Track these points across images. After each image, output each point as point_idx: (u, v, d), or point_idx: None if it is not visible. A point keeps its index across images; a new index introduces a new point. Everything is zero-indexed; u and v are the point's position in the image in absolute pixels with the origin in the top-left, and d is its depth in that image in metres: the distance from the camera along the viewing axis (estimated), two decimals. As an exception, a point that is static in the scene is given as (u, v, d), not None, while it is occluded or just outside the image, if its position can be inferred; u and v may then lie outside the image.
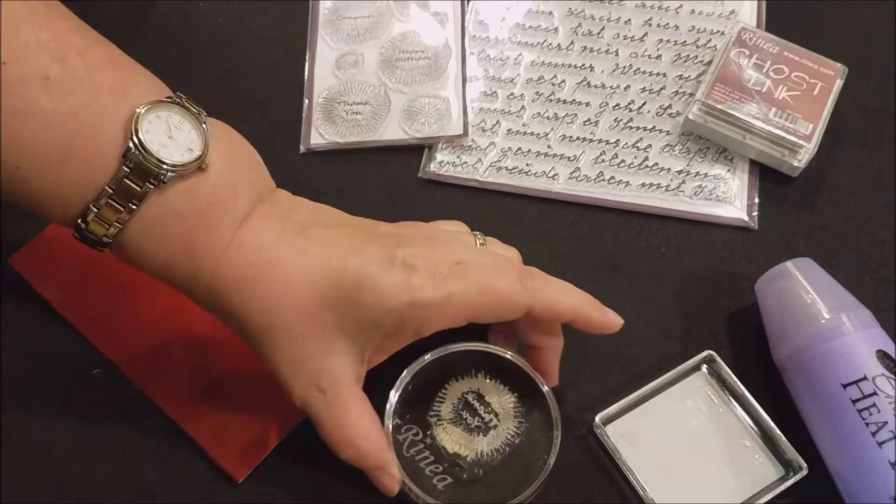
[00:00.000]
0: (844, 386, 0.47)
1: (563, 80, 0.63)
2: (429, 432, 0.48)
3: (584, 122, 0.61)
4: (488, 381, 0.49)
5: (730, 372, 0.52)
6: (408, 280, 0.43)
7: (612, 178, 0.59)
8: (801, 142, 0.57)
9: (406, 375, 0.48)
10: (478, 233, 0.51)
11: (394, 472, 0.46)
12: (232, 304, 0.43)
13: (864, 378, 0.46)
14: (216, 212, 0.43)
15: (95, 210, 0.40)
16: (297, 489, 0.51)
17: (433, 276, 0.44)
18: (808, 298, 0.50)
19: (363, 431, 0.46)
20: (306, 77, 0.63)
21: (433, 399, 0.49)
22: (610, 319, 0.48)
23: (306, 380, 0.45)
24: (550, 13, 0.65)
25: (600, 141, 0.60)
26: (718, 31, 0.64)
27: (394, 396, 0.48)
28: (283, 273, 0.43)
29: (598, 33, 0.64)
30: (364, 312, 0.43)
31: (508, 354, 0.49)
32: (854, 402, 0.46)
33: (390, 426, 0.48)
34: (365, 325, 0.44)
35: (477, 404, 0.49)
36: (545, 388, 0.48)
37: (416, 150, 0.61)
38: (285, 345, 0.44)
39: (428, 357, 0.49)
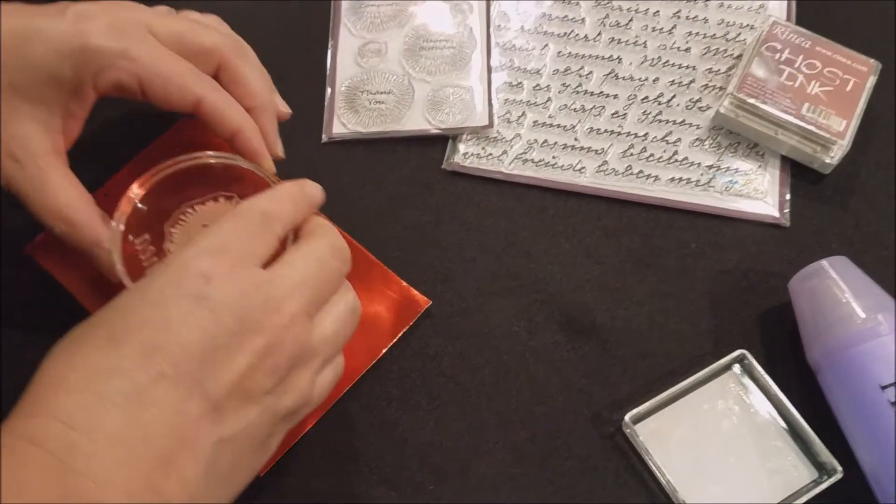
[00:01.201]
0: (883, 388, 0.46)
1: (591, 72, 0.61)
2: (164, 245, 0.48)
3: (612, 114, 0.60)
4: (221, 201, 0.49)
5: (762, 371, 0.51)
6: (79, 27, 0.43)
7: (641, 172, 0.58)
8: (834, 138, 0.56)
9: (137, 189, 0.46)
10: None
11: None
12: None
13: (904, 380, 0.46)
14: None
15: None
16: (316, 485, 0.50)
17: (110, 28, 0.44)
18: (844, 298, 0.49)
19: (68, 200, 0.45)
20: (329, 65, 0.62)
21: (168, 215, 0.48)
22: (264, 151, 0.49)
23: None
24: (577, 3, 0.64)
25: (628, 134, 0.59)
26: (748, 25, 0.62)
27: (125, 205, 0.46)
28: None
29: (626, 24, 0.63)
30: (37, 64, 0.43)
31: (237, 161, 0.48)
32: (892, 403, 0.45)
33: (120, 228, 0.45)
34: (42, 82, 0.44)
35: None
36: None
37: (440, 141, 0.60)
38: None
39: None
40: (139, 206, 0.46)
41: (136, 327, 0.36)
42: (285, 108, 0.53)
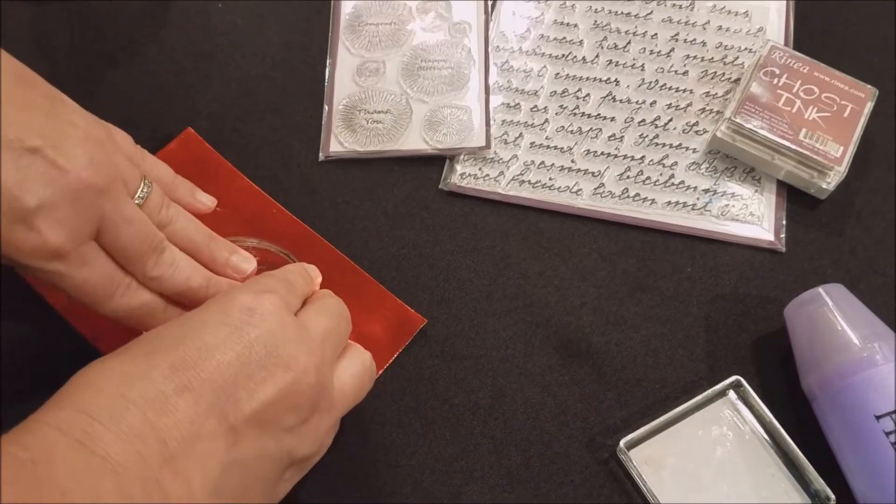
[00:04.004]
0: (878, 417, 0.46)
1: (588, 94, 0.61)
2: None
3: (609, 137, 0.60)
4: None
5: (757, 398, 0.51)
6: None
7: (638, 195, 0.58)
8: (831, 164, 0.56)
9: None
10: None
11: None
12: None
13: (899, 410, 0.45)
14: None
15: None
16: (320, 483, 0.49)
17: (48, 247, 0.40)
18: (840, 326, 0.49)
19: None
20: (326, 83, 0.62)
21: None
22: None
23: None
24: (576, 25, 0.64)
25: (625, 157, 0.59)
26: (746, 49, 0.63)
27: None
28: None
29: (624, 47, 0.63)
30: None
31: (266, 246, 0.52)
32: (887, 434, 0.45)
33: None
34: None
35: None
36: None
37: (438, 161, 0.60)
38: None
39: None
40: None
41: (173, 345, 0.38)
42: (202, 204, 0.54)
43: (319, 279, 0.49)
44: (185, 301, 0.48)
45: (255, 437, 0.38)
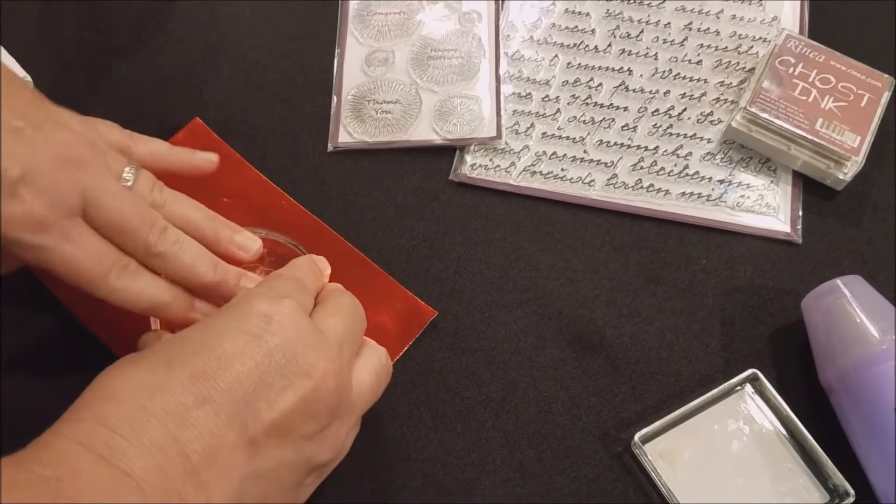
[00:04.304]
0: (898, 410, 0.45)
1: (601, 84, 0.61)
2: None
3: (622, 127, 0.59)
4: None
5: (774, 391, 0.50)
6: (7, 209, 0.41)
7: (651, 185, 0.57)
8: (848, 154, 0.55)
9: None
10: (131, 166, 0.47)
11: None
12: None
13: (920, 403, 0.45)
14: None
15: None
16: (331, 477, 0.49)
17: (33, 216, 0.41)
18: (858, 318, 0.48)
19: None
20: (335, 73, 0.61)
21: None
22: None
23: None
24: (587, 14, 0.63)
25: (638, 147, 0.58)
26: (761, 38, 0.62)
27: None
28: None
29: (637, 36, 0.62)
30: None
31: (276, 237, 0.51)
32: (908, 427, 0.45)
33: None
34: None
35: None
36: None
37: (448, 152, 0.59)
38: None
39: None
40: None
41: (192, 354, 0.38)
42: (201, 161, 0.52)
43: (329, 271, 0.49)
44: (191, 289, 0.47)
45: (275, 447, 0.38)
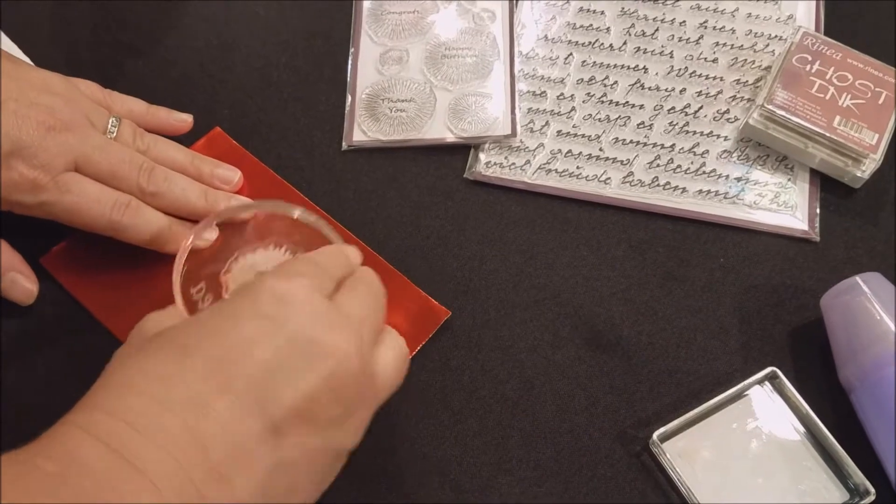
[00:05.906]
0: (920, 408, 0.44)
1: (616, 82, 0.60)
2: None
3: (638, 125, 0.59)
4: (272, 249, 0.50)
5: (793, 390, 0.49)
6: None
7: (668, 183, 0.57)
8: (866, 151, 0.54)
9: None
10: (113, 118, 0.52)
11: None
12: None
13: (943, 401, 0.44)
14: None
15: None
16: (334, 500, 0.48)
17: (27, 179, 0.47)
18: (878, 315, 0.48)
19: None
20: (349, 72, 0.61)
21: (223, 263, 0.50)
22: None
23: None
24: (602, 13, 0.63)
25: (655, 145, 0.58)
26: (776, 36, 0.61)
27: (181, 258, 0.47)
28: None
29: (652, 34, 0.62)
30: None
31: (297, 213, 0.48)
32: (930, 425, 0.44)
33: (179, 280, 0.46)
34: None
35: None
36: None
37: (462, 150, 0.59)
38: None
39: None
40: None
41: (208, 341, 0.36)
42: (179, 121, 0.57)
43: (359, 261, 0.46)
44: (188, 218, 0.52)
45: (301, 435, 0.36)
